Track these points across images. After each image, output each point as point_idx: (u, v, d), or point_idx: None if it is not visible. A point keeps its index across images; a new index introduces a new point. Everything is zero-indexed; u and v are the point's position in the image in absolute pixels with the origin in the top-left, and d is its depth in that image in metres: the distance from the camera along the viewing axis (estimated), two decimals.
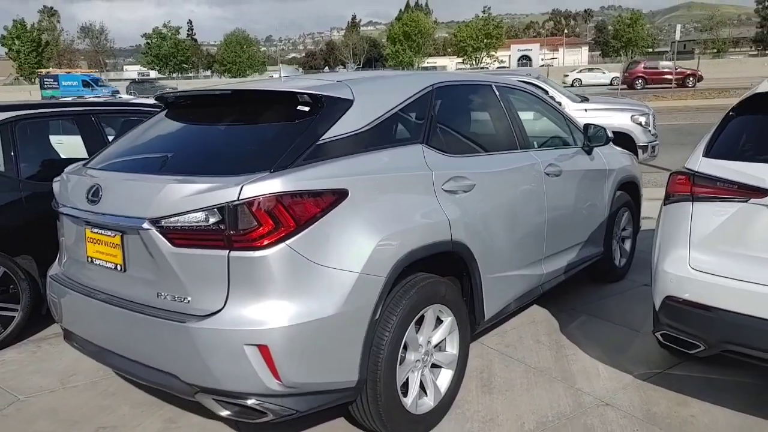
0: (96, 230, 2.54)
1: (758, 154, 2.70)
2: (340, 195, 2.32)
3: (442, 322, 2.83)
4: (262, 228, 2.13)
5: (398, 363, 2.53)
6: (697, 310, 2.69)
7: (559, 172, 3.75)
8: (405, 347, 2.59)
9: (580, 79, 43.72)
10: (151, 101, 6.77)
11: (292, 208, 2.18)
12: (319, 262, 2.23)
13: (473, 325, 3.09)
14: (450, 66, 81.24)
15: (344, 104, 2.59)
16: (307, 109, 2.53)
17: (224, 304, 2.18)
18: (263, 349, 2.13)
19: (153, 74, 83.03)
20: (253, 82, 3.41)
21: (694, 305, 2.70)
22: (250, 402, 2.22)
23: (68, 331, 2.84)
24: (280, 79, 3.19)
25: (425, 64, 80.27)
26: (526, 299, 3.64)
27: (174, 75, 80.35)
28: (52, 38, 77.29)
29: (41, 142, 4.42)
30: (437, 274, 2.76)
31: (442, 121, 3.10)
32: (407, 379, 2.66)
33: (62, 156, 4.44)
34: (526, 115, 3.96)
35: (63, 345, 3.79)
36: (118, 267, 2.47)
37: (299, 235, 2.19)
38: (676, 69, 33.15)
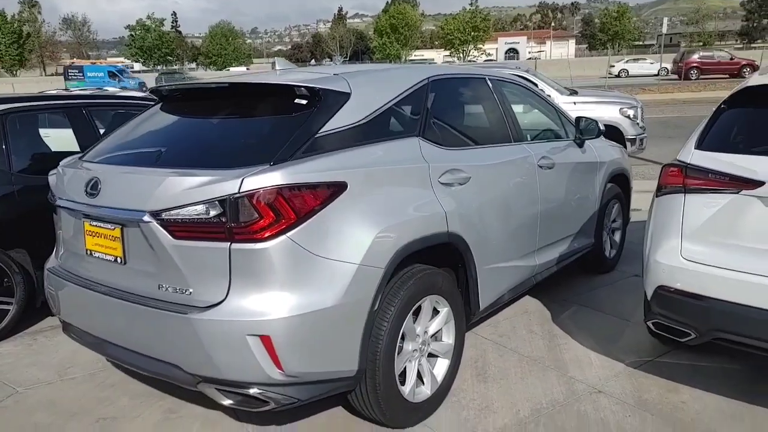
0: (95, 223, 2.54)
1: (749, 147, 2.76)
2: (339, 188, 2.34)
3: (438, 312, 2.87)
4: (263, 220, 2.15)
5: (396, 353, 2.57)
6: (689, 299, 2.75)
7: (551, 164, 3.80)
8: (403, 337, 2.63)
9: (626, 70, 41.87)
10: (140, 94, 6.76)
11: (292, 200, 2.20)
12: (320, 254, 2.26)
13: (469, 315, 3.13)
14: (437, 59, 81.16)
15: (342, 97, 2.61)
16: (304, 102, 2.54)
17: (226, 296, 2.20)
18: (265, 340, 2.16)
19: (137, 67, 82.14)
20: (244, 75, 3.41)
21: (686, 294, 2.76)
22: (253, 391, 2.25)
23: (67, 323, 2.85)
24: (275, 72, 3.18)
25: (412, 57, 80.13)
26: (520, 290, 3.70)
27: (158, 67, 79.52)
28: (33, 30, 76.05)
29: (33, 135, 4.38)
30: (434, 266, 2.80)
31: (438, 114, 3.13)
32: (405, 368, 2.71)
33: (53, 149, 4.41)
34: (519, 108, 4.01)
35: (58, 338, 3.81)
36: (118, 259, 2.48)
37: (300, 227, 2.21)
38: (732, 59, 32.16)
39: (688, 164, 2.81)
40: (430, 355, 2.89)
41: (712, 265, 2.69)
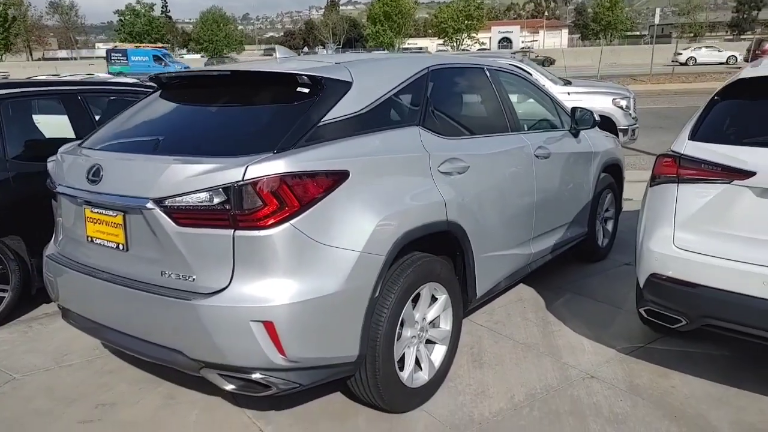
0: (96, 210, 2.55)
1: (741, 138, 2.81)
2: (341, 176, 2.37)
3: (436, 299, 2.91)
4: (267, 208, 2.18)
5: (396, 339, 2.61)
6: (681, 286, 2.81)
7: (548, 154, 3.84)
8: (402, 324, 2.67)
9: (694, 58, 40.75)
10: (132, 81, 6.70)
11: (295, 188, 2.22)
12: (322, 242, 2.28)
13: (466, 302, 3.18)
14: (431, 47, 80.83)
15: (344, 86, 2.63)
16: (307, 90, 2.55)
17: (229, 282, 2.23)
18: (268, 325, 2.19)
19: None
20: (245, 63, 3.41)
21: (678, 282, 2.82)
22: (255, 376, 2.28)
23: (66, 310, 2.86)
24: (275, 60, 3.19)
25: (406, 45, 79.77)
26: (516, 278, 3.75)
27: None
28: (19, 14, 74.87)
29: (28, 122, 4.36)
30: (432, 254, 2.83)
31: (438, 103, 3.15)
32: (403, 354, 2.75)
33: (48, 136, 4.39)
34: (516, 98, 4.04)
35: (54, 325, 3.83)
36: (120, 246, 2.49)
37: (303, 215, 2.24)
38: None
39: (682, 155, 2.86)
40: (428, 341, 2.93)
41: (704, 253, 2.75)
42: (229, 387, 2.37)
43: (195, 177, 2.20)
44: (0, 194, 3.83)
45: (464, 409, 2.83)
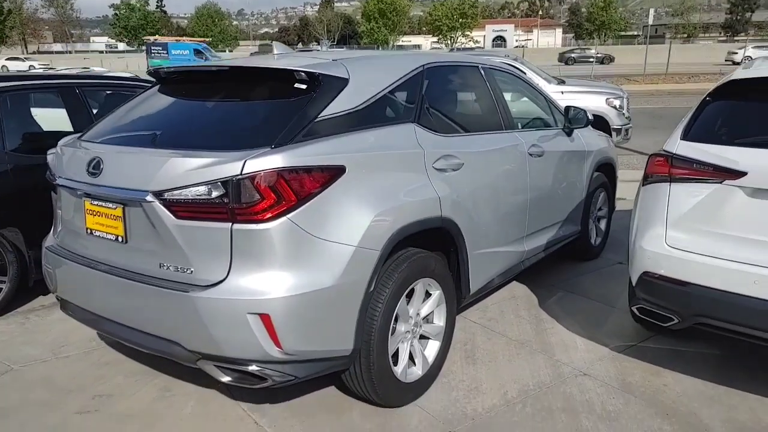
0: (96, 202, 2.57)
1: (732, 138, 2.84)
2: (338, 171, 2.39)
3: (430, 295, 2.94)
4: (265, 202, 2.20)
5: (390, 333, 2.64)
6: (673, 285, 2.85)
7: (541, 152, 3.87)
8: (396, 319, 2.70)
9: (750, 57, 39.99)
10: (129, 75, 6.70)
11: (292, 183, 2.25)
12: (319, 236, 2.31)
13: (460, 298, 3.21)
14: (425, 45, 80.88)
15: (340, 83, 2.65)
16: (304, 87, 2.57)
17: (227, 275, 2.25)
18: (265, 318, 2.22)
19: (121, 46, 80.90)
20: (242, 59, 3.43)
21: (670, 280, 2.86)
22: (251, 368, 2.31)
23: (64, 301, 2.88)
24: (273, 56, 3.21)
25: (400, 43, 79.77)
26: (509, 275, 3.78)
27: (143, 48, 78.31)
28: (14, 6, 74.37)
29: (26, 115, 4.36)
30: (427, 249, 2.86)
31: (433, 101, 3.17)
32: (397, 349, 2.78)
33: (46, 129, 4.39)
34: (510, 96, 4.07)
35: (51, 317, 3.85)
36: (119, 238, 2.51)
37: (300, 209, 2.26)
38: None
39: (674, 154, 2.90)
40: (422, 336, 2.96)
41: (695, 252, 2.79)
42: (226, 379, 2.39)
43: (194, 171, 2.22)
44: None
45: (457, 405, 2.86)
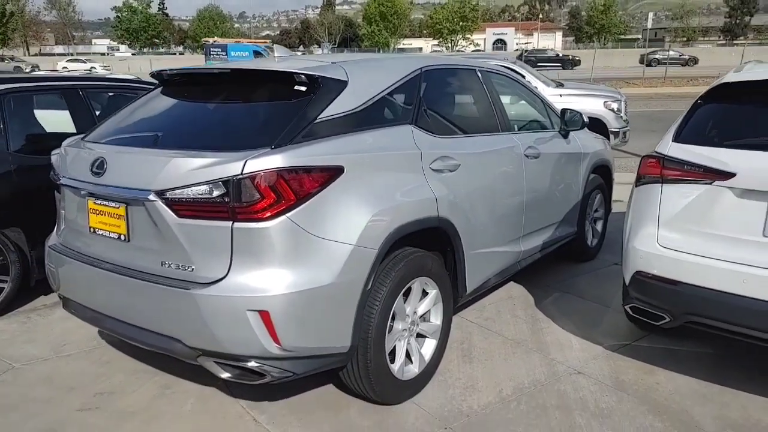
0: (99, 201, 2.62)
1: (723, 140, 2.89)
2: (336, 171, 2.45)
3: (427, 294, 2.99)
4: (265, 201, 2.25)
5: (387, 331, 2.69)
6: (664, 284, 2.90)
7: (537, 154, 3.92)
8: (393, 317, 2.74)
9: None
10: (131, 77, 6.76)
11: (292, 182, 2.30)
12: (317, 234, 2.36)
13: (456, 297, 3.25)
14: (426, 48, 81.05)
15: (339, 85, 2.70)
16: (304, 89, 2.63)
17: (227, 273, 2.30)
18: (264, 315, 2.27)
19: (123, 49, 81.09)
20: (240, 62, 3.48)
21: (662, 280, 2.91)
22: (251, 364, 2.35)
23: (67, 299, 2.93)
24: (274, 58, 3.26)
25: (401, 46, 79.95)
26: (505, 275, 3.83)
27: (145, 50, 78.58)
28: (17, 8, 74.60)
29: (30, 116, 4.41)
30: (424, 249, 2.91)
31: (430, 103, 3.23)
32: (394, 347, 2.82)
33: (49, 130, 4.44)
34: (507, 99, 4.12)
35: (53, 316, 3.90)
36: (122, 237, 2.56)
37: (299, 208, 2.31)
38: None
39: (666, 156, 2.95)
40: (419, 335, 3.01)
41: (686, 252, 2.84)
42: (225, 375, 2.44)
43: (196, 170, 2.27)
44: (1, 187, 3.89)
45: (453, 402, 2.91)
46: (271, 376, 2.39)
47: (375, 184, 2.61)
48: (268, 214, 2.26)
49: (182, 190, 2.29)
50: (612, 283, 4.42)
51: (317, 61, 3.01)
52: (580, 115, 4.47)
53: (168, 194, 2.32)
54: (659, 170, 2.98)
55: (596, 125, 8.52)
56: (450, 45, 75.83)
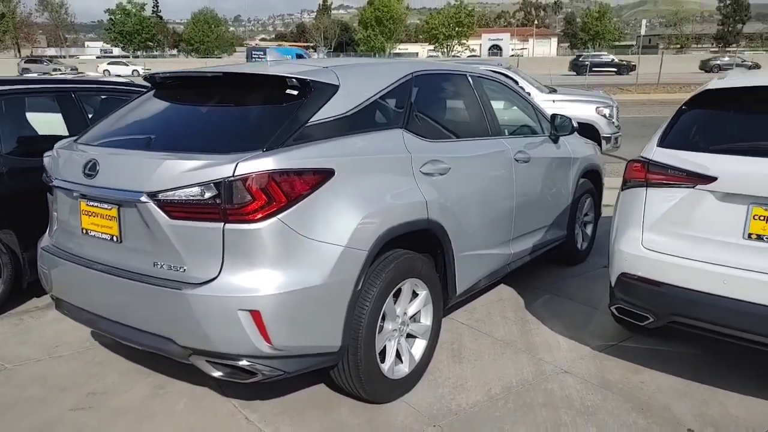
0: (92, 203, 2.65)
1: (705, 145, 2.96)
2: (327, 174, 2.49)
3: (417, 295, 3.03)
4: (256, 203, 2.30)
5: (377, 331, 2.73)
6: (648, 285, 2.96)
7: (527, 158, 3.98)
8: (383, 317, 2.79)
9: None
10: (124, 80, 6.82)
11: (283, 184, 2.34)
12: (308, 236, 2.41)
13: (446, 299, 3.30)
14: (421, 53, 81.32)
15: (331, 89, 2.75)
16: (295, 92, 2.67)
17: (219, 273, 2.34)
18: (255, 314, 2.31)
19: (116, 51, 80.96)
20: (237, 65, 3.53)
21: (646, 281, 2.97)
22: (242, 363, 2.39)
23: (59, 300, 2.96)
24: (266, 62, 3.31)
25: (397, 51, 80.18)
26: (495, 277, 3.88)
27: (139, 53, 78.51)
28: (8, 10, 74.38)
29: (22, 119, 4.44)
30: (414, 251, 2.96)
31: (421, 107, 3.28)
32: (385, 346, 2.87)
33: (41, 133, 4.47)
34: (498, 105, 4.18)
35: (45, 318, 3.92)
36: (114, 238, 2.60)
37: (289, 210, 2.36)
38: None
39: (650, 160, 3.02)
40: (409, 335, 3.05)
41: (670, 254, 2.90)
42: (217, 374, 2.48)
43: (188, 172, 2.32)
44: None
45: (443, 401, 2.95)
46: (263, 374, 2.43)
47: (365, 187, 2.65)
48: (259, 216, 2.30)
49: (174, 191, 2.33)
50: (601, 286, 4.47)
51: (309, 65, 3.06)
52: (570, 120, 4.53)
53: (160, 196, 2.36)
54: (644, 174, 3.04)
55: (588, 131, 8.61)
56: (446, 50, 76.10)
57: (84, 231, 2.72)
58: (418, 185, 2.94)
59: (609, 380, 3.16)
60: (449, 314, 3.90)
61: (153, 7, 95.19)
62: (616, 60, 48.50)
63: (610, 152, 9.44)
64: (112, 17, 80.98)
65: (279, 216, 2.33)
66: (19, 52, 78.80)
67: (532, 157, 4.05)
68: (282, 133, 2.46)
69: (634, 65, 44.40)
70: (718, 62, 46.61)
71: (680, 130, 3.07)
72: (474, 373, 3.23)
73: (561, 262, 4.99)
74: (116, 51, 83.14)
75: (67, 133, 4.20)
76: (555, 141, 4.48)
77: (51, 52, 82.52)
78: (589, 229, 5.23)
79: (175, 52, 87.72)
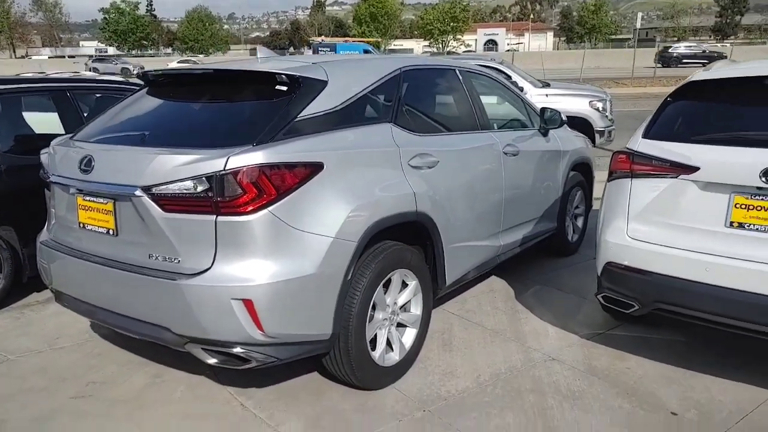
0: (88, 198, 2.73)
1: (689, 136, 3.03)
2: (316, 168, 2.57)
3: (407, 285, 3.11)
4: (247, 195, 2.37)
5: (367, 320, 2.81)
6: (633, 273, 3.04)
7: (516, 152, 4.05)
8: (374, 306, 2.87)
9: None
10: (119, 78, 6.87)
11: (273, 178, 2.42)
12: (298, 227, 2.48)
13: (436, 289, 3.38)
14: (416, 49, 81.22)
15: (319, 85, 2.82)
16: (285, 88, 2.74)
17: (212, 264, 2.42)
18: (248, 303, 2.38)
19: (111, 51, 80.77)
20: (228, 62, 3.59)
21: (631, 270, 3.05)
22: (236, 350, 2.47)
23: (59, 293, 3.03)
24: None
25: (392, 47, 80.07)
26: (485, 268, 3.96)
27: (133, 52, 78.37)
28: (2, 10, 74.12)
29: (18, 117, 4.50)
30: (404, 243, 3.04)
31: (409, 102, 3.35)
32: (375, 335, 2.95)
33: (38, 131, 4.53)
34: (487, 99, 4.25)
35: (46, 311, 3.99)
36: (110, 231, 2.67)
37: (280, 202, 2.43)
38: None
39: (635, 151, 3.09)
40: (399, 324, 3.13)
41: (653, 242, 2.98)
42: (212, 361, 2.56)
43: (180, 167, 2.39)
44: None
45: (432, 387, 3.03)
46: (256, 361, 2.51)
47: (354, 180, 2.73)
48: (250, 208, 2.37)
49: (168, 185, 2.40)
50: (590, 277, 4.49)
51: (298, 61, 3.13)
52: (559, 113, 4.60)
53: (154, 190, 2.44)
54: (629, 165, 3.12)
55: (582, 125, 8.68)
56: (441, 46, 76.04)
57: (81, 225, 2.80)
58: (406, 178, 3.01)
59: (596, 367, 3.24)
60: (440, 305, 3.98)
61: (147, 6, 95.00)
62: (708, 51, 44.12)
63: (603, 146, 9.51)
64: (107, 16, 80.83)
65: (269, 208, 2.40)
66: (14, 52, 78.55)
67: (521, 151, 4.12)
68: (272, 128, 2.53)
69: (726, 56, 42.64)
70: (676, 53, 42.59)
71: (665, 122, 3.14)
72: (463, 361, 3.31)
73: (552, 253, 5.06)
74: (111, 50, 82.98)
75: (63, 132, 4.26)
76: (544, 134, 4.55)
77: (46, 52, 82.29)
78: (579, 222, 5.30)
79: (170, 50, 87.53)
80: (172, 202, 2.44)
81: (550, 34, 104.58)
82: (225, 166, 2.34)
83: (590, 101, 9.57)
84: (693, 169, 2.88)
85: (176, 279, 2.44)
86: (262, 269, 2.41)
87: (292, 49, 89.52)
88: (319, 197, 2.56)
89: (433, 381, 3.10)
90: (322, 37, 47.22)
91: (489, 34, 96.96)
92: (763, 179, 2.65)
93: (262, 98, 2.81)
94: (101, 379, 3.13)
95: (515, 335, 3.64)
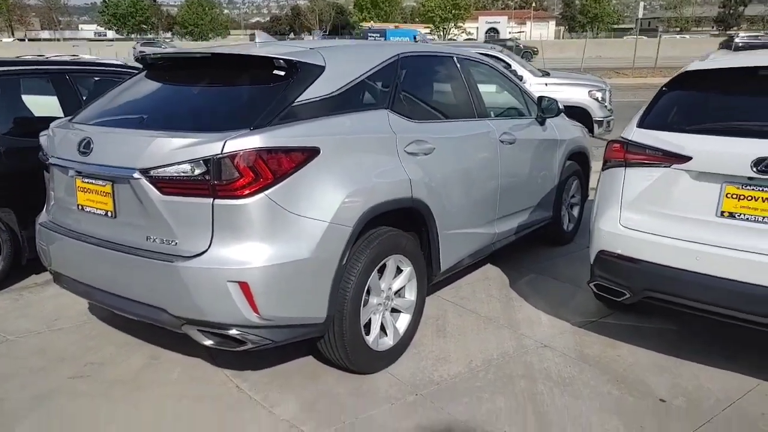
0: (87, 180, 2.75)
1: (682, 126, 3.05)
2: (312, 152, 2.59)
3: (402, 271, 3.14)
4: (243, 179, 2.40)
5: (362, 305, 2.85)
6: (625, 262, 3.07)
7: (513, 140, 4.07)
8: (368, 291, 2.90)
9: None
10: (118, 62, 6.85)
11: (269, 162, 2.44)
12: (294, 211, 2.51)
13: (430, 275, 3.41)
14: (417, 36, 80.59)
15: (317, 70, 2.84)
16: (282, 73, 2.76)
17: (209, 246, 2.45)
18: (243, 286, 2.42)
19: (110, 34, 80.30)
20: (227, 46, 3.59)
21: (623, 258, 3.08)
22: (232, 332, 2.51)
23: (58, 274, 3.06)
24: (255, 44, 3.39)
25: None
26: (479, 256, 3.99)
27: (132, 36, 77.90)
28: None
29: (16, 100, 4.50)
30: (400, 229, 3.07)
31: (406, 88, 3.36)
32: (370, 319, 2.98)
33: (37, 114, 4.54)
34: (485, 87, 4.26)
35: (45, 293, 4.03)
36: (109, 213, 2.70)
37: (276, 186, 2.46)
38: None
39: (629, 141, 3.11)
40: (394, 310, 3.17)
41: (645, 231, 3.01)
42: (208, 342, 2.60)
43: (178, 150, 2.41)
44: None
45: (425, 372, 3.08)
46: (252, 343, 2.55)
47: (350, 165, 2.75)
48: (247, 192, 2.40)
49: (165, 168, 2.43)
50: (585, 266, 4.45)
51: (296, 46, 3.14)
52: (556, 102, 4.61)
53: (152, 172, 2.46)
54: (623, 154, 3.14)
55: (581, 114, 8.68)
56: (442, 33, 75.61)
57: (80, 207, 2.82)
58: (402, 164, 3.03)
59: (587, 354, 3.29)
60: (435, 292, 4.02)
61: None
62: None
63: (602, 136, 9.51)
64: (106, 0, 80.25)
65: (266, 192, 2.43)
66: (12, 34, 78.05)
67: (518, 139, 4.14)
68: (269, 112, 2.55)
69: None
70: (742, 43, 32.59)
71: (659, 111, 3.16)
72: (457, 346, 3.35)
73: (547, 242, 5.09)
74: (110, 34, 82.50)
75: (62, 115, 4.27)
76: (541, 123, 4.56)
77: (45, 35, 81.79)
78: (575, 211, 5.33)
79: (169, 35, 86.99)
80: (169, 185, 2.46)
81: (552, 23, 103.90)
82: (222, 149, 2.37)
83: (589, 91, 9.56)
84: (686, 158, 2.90)
85: (173, 261, 2.47)
86: (258, 252, 2.44)
87: (292, 35, 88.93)
88: (315, 182, 2.58)
89: (426, 366, 3.14)
90: (371, 22, 46.12)
91: (491, 22, 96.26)
92: (754, 169, 2.68)
93: (260, 83, 2.82)
94: (99, 360, 3.18)
95: (508, 322, 3.68)
